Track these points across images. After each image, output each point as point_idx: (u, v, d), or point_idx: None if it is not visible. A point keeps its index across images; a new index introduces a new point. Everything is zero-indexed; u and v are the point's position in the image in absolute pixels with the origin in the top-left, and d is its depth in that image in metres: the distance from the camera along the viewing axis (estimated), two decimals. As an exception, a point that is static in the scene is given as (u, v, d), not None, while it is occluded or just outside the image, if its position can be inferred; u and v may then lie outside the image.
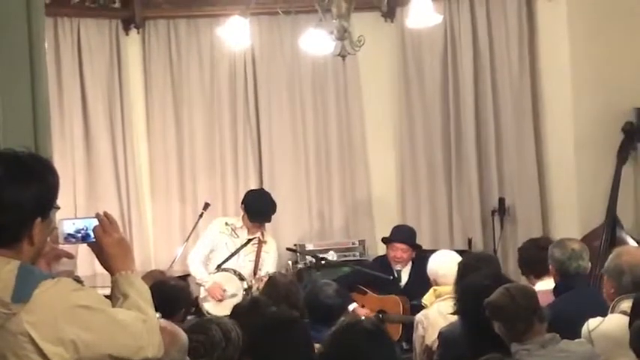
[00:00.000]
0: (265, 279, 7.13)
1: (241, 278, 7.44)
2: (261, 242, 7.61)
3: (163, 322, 3.41)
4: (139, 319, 2.68)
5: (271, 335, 4.14)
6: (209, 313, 7.25)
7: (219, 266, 7.52)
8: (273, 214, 7.65)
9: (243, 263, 7.57)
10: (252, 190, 7.90)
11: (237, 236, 7.61)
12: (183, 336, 3.33)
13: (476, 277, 4.77)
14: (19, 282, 2.55)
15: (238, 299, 7.17)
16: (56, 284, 2.59)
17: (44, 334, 2.53)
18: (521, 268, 5.76)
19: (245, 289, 7.39)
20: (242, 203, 7.66)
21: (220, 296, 7.37)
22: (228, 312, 6.80)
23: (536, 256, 5.54)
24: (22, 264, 2.60)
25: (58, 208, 2.75)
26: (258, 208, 7.57)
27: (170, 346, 3.18)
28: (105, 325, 2.61)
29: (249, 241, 7.57)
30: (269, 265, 7.58)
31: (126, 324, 2.64)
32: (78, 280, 2.72)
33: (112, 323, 2.62)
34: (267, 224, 7.82)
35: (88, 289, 2.75)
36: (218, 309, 7.20)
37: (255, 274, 7.53)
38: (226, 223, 7.67)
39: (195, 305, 7.32)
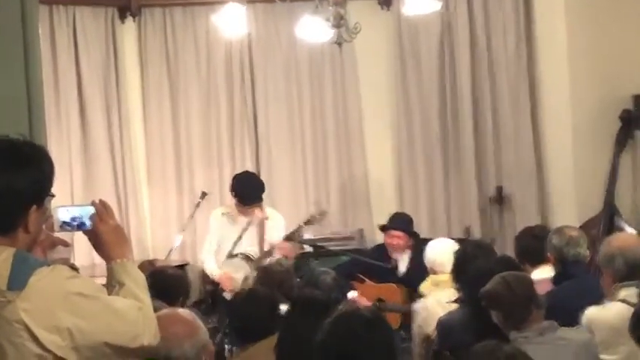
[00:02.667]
0: (278, 249, 7.26)
1: (249, 259, 7.44)
2: (261, 220, 7.60)
3: (184, 311, 3.38)
4: (135, 307, 2.67)
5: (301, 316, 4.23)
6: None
7: (228, 255, 7.53)
8: (262, 193, 7.62)
9: (250, 247, 7.57)
10: (237, 175, 7.82)
11: (236, 223, 7.60)
12: (203, 332, 3.25)
13: (484, 263, 4.75)
14: (14, 270, 2.55)
15: (251, 282, 7.25)
16: (51, 272, 2.58)
17: (40, 322, 2.52)
18: (517, 256, 5.74)
19: (254, 270, 7.39)
20: (231, 190, 7.63)
21: (230, 286, 7.35)
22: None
23: (531, 245, 5.53)
24: (18, 251, 2.59)
25: (53, 196, 2.73)
26: (247, 190, 7.54)
27: (185, 337, 3.14)
28: (101, 312, 2.60)
29: (249, 223, 7.56)
30: (276, 239, 7.57)
31: (122, 312, 2.64)
32: (73, 267, 2.70)
33: (107, 311, 2.62)
34: (279, 214, 7.82)
35: (83, 277, 2.74)
36: None
37: (262, 251, 7.54)
38: (222, 214, 7.66)
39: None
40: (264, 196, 7.63)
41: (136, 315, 2.66)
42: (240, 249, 7.55)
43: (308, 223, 7.54)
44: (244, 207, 7.55)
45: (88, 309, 2.58)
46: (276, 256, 7.42)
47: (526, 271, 5.49)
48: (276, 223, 7.67)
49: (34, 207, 2.65)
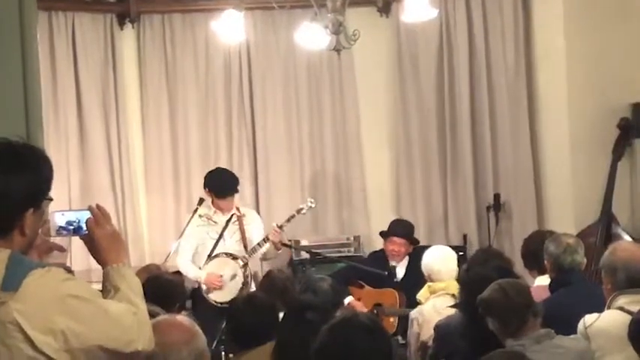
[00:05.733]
0: (260, 252, 7.33)
1: (234, 257, 7.44)
2: (239, 217, 7.60)
3: (183, 318, 3.38)
4: (130, 312, 2.67)
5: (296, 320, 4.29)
6: (217, 302, 7.28)
7: (209, 257, 7.50)
8: (237, 184, 7.62)
9: (231, 245, 7.55)
10: (209, 172, 7.79)
11: (215, 222, 7.58)
12: (202, 339, 3.25)
13: (482, 269, 4.74)
14: (9, 271, 2.55)
15: (239, 279, 7.32)
16: (46, 273, 2.58)
17: (33, 323, 2.52)
18: (525, 260, 5.69)
19: (242, 267, 7.39)
20: (204, 187, 7.62)
21: (219, 283, 7.36)
22: (233, 294, 6.92)
23: (540, 250, 5.43)
24: (13, 253, 2.59)
25: (51, 199, 2.73)
26: (221, 183, 7.55)
27: (183, 344, 3.13)
28: (95, 316, 2.60)
29: (228, 221, 7.55)
30: (256, 236, 7.57)
31: (116, 316, 2.63)
32: (69, 270, 2.70)
33: (102, 315, 2.61)
34: (254, 212, 7.95)
35: (79, 280, 2.74)
36: (222, 295, 7.28)
37: (246, 248, 7.53)
38: (200, 216, 7.64)
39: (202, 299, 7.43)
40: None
41: (130, 320, 2.66)
42: (222, 249, 7.54)
43: (300, 211, 7.58)
44: (220, 199, 7.53)
45: (82, 312, 2.58)
46: (270, 242, 7.41)
47: (532, 276, 5.50)
48: (254, 220, 7.70)
49: (31, 210, 2.65)
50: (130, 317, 2.66)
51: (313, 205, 7.68)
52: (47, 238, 2.88)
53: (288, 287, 5.68)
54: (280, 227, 7.42)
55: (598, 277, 4.82)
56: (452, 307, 5.06)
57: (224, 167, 8.03)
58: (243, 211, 7.71)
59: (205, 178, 7.65)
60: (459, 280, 5.25)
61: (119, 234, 2.85)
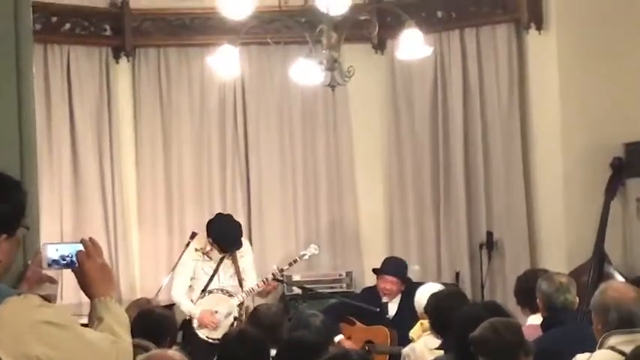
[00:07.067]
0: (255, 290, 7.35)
1: (230, 295, 7.42)
2: (234, 253, 7.61)
3: (174, 352, 3.38)
4: (108, 340, 2.66)
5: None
6: (209, 338, 7.25)
7: (203, 291, 7.49)
8: (242, 236, 7.67)
9: (226, 281, 7.55)
10: (213, 220, 7.76)
11: (210, 258, 7.58)
12: None
13: (471, 308, 4.73)
14: None
15: (235, 315, 7.30)
16: (22, 300, 2.58)
17: (8, 350, 2.50)
18: (517, 298, 5.67)
19: (238, 305, 7.38)
20: (208, 236, 7.61)
21: (213, 324, 7.33)
22: (225, 330, 6.92)
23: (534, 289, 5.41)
24: None
25: (27, 228, 2.73)
26: (227, 238, 7.56)
27: None
28: (71, 342, 2.58)
29: (222, 258, 7.55)
30: (249, 270, 7.58)
31: (93, 342, 2.62)
32: (46, 299, 2.69)
33: (78, 341, 2.60)
34: (247, 242, 7.96)
35: (55, 306, 2.73)
36: (216, 333, 7.22)
37: (241, 286, 7.52)
38: (196, 249, 7.64)
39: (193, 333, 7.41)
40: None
41: (108, 347, 2.65)
42: (217, 284, 7.52)
43: (302, 257, 7.62)
44: (223, 252, 7.57)
45: (57, 338, 2.56)
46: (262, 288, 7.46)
47: (524, 314, 5.49)
48: (247, 253, 7.72)
49: (5, 236, 2.65)
50: (107, 344, 2.64)
51: (317, 252, 7.71)
52: (38, 270, 2.88)
53: (275, 323, 5.65)
54: (281, 271, 7.47)
55: (590, 316, 4.80)
56: (437, 348, 5.04)
57: (226, 215, 7.94)
58: None
59: (209, 227, 7.63)
60: (432, 326, 5.27)
61: (109, 268, 2.85)
